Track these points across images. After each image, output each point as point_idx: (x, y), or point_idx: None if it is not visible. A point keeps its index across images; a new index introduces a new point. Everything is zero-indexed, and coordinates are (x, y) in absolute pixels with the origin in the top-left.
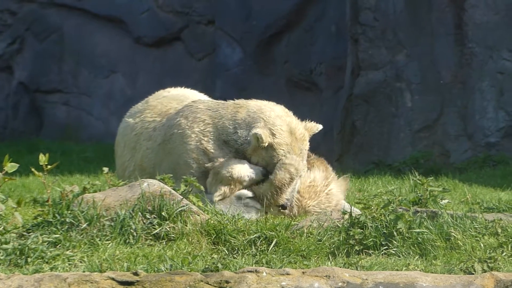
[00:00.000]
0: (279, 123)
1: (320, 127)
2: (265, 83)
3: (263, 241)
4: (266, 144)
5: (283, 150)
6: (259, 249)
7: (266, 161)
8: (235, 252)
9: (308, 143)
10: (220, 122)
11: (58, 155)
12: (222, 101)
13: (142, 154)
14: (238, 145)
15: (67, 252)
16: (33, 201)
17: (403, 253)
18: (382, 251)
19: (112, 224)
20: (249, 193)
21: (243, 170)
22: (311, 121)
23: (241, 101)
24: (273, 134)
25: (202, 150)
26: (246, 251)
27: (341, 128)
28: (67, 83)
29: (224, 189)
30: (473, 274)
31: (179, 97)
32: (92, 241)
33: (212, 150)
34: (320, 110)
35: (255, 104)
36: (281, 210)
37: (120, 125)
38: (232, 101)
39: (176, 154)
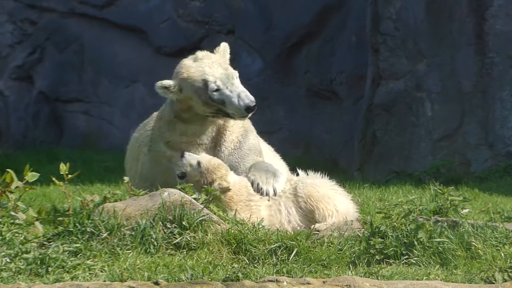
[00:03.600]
0: None
1: None
2: (285, 92)
3: (284, 251)
4: None
5: None
6: (279, 258)
7: None
8: (255, 261)
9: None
10: None
11: (78, 164)
12: None
13: None
14: None
15: (88, 262)
16: (54, 210)
17: (424, 263)
18: (403, 260)
19: (133, 233)
20: None
21: None
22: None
23: None
24: None
25: None
26: (267, 260)
27: (361, 137)
28: (87, 93)
29: None
30: (493, 283)
31: None
32: (112, 250)
33: None
34: (340, 119)
35: None
36: None
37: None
38: None
39: None
